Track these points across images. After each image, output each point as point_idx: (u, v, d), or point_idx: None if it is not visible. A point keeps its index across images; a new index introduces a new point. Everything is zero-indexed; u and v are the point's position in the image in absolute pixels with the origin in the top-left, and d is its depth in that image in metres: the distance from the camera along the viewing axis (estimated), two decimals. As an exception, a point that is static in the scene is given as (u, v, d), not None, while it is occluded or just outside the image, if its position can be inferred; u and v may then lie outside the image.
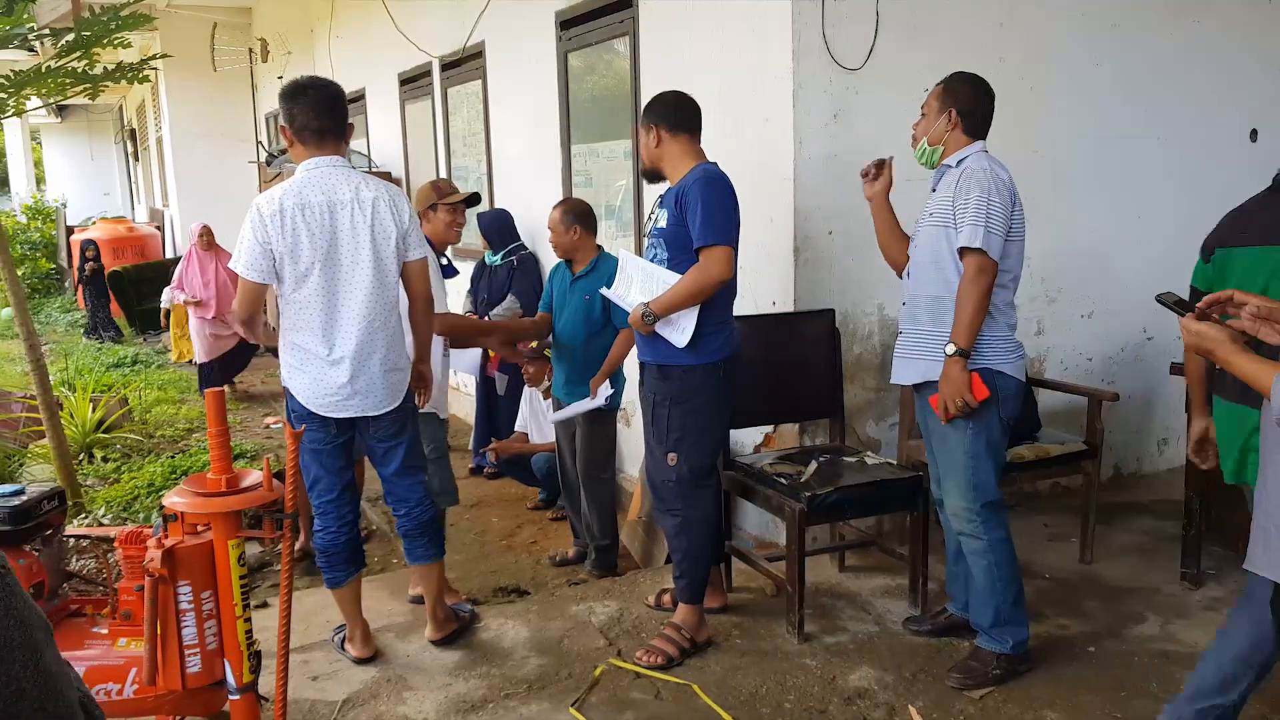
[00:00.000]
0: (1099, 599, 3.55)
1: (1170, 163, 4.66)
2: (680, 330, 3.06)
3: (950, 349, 2.83)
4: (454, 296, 5.15)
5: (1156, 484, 4.73)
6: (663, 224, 3.12)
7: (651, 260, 3.19)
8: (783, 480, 3.32)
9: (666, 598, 3.52)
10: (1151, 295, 4.66)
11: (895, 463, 3.62)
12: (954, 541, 3.20)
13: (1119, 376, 4.63)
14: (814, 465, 3.42)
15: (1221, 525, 3.62)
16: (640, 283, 3.20)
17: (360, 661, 3.19)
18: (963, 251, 2.83)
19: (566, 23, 5.25)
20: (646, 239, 3.30)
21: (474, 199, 4.00)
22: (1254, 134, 4.94)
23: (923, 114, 3.04)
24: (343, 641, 3.26)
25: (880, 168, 3.20)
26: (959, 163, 2.94)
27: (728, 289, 3.11)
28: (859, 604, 3.53)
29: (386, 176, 7.91)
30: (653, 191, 4.76)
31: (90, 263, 11.58)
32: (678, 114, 3.16)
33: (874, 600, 3.56)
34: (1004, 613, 2.98)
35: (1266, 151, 4.87)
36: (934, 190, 3.03)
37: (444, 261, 3.86)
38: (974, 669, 2.99)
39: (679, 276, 3.03)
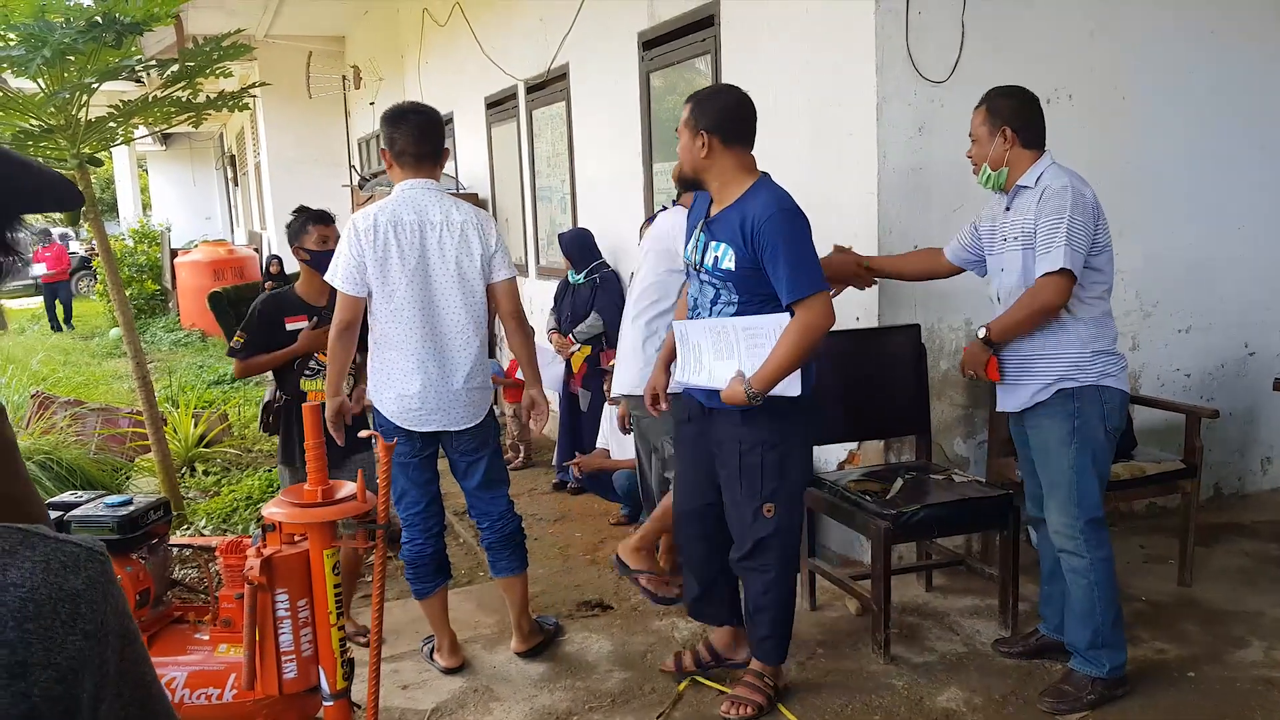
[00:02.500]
0: (1198, 623, 3.42)
1: (1272, 173, 4.48)
2: (791, 382, 2.72)
3: (981, 333, 2.93)
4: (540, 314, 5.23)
5: (1260, 504, 4.54)
6: (729, 265, 2.73)
7: (713, 308, 2.81)
8: (868, 498, 3.28)
9: (687, 657, 3.21)
10: (1253, 308, 4.50)
11: (984, 480, 3.55)
12: (1049, 561, 3.13)
13: (1219, 393, 4.46)
14: (899, 482, 3.38)
15: (1333, 548, 3.45)
16: (713, 345, 2.78)
17: (448, 671, 3.26)
18: (1041, 273, 2.79)
19: (649, 43, 5.32)
20: (697, 278, 2.87)
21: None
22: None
23: (973, 139, 2.99)
24: (431, 651, 3.33)
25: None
26: (1037, 181, 2.88)
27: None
28: (947, 624, 3.47)
29: (473, 198, 8.09)
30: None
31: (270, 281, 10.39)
32: (738, 123, 2.79)
33: (962, 620, 3.49)
34: (1103, 634, 2.89)
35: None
36: (1007, 210, 2.96)
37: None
38: (1067, 693, 2.91)
39: (762, 321, 2.70)
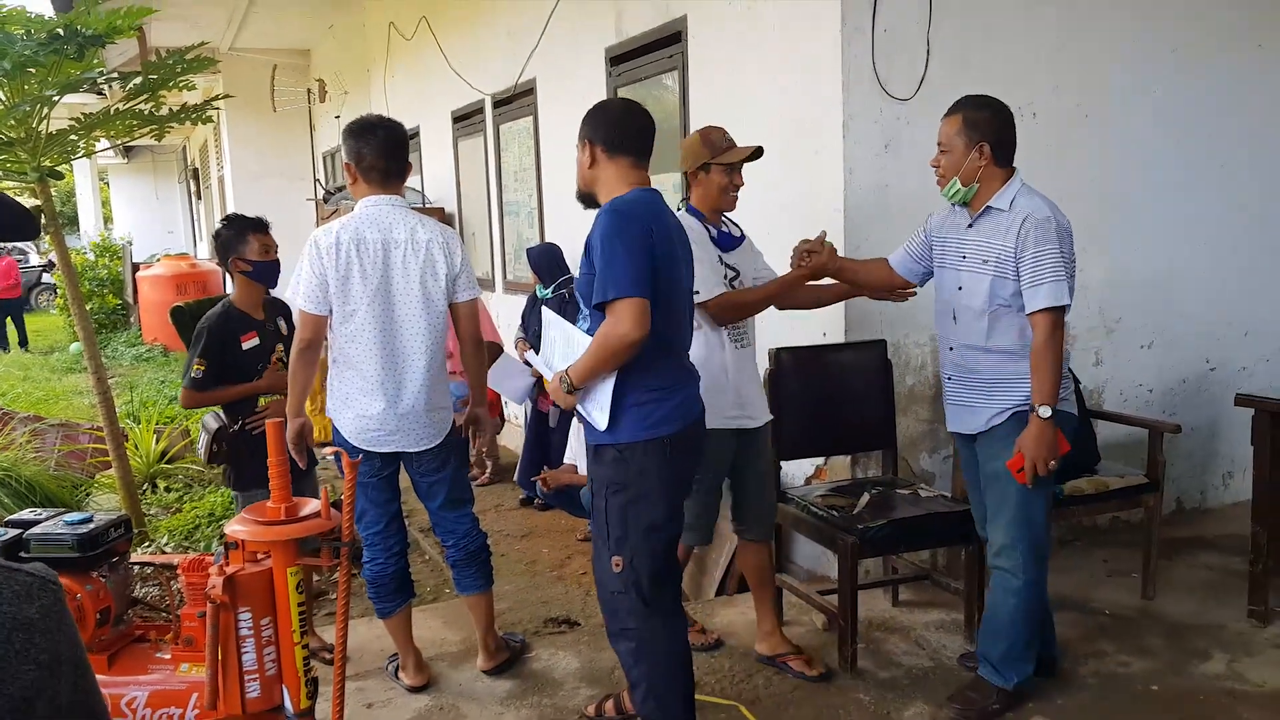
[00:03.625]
0: (1161, 636, 3.46)
1: (1233, 191, 4.57)
2: (598, 406, 2.53)
3: (1045, 412, 2.72)
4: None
5: (1221, 518, 4.60)
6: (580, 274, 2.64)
7: (578, 323, 2.84)
8: (834, 512, 3.29)
9: (609, 706, 2.99)
10: (1214, 325, 4.58)
11: (949, 495, 3.58)
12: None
13: (1181, 408, 4.53)
14: (866, 498, 3.40)
15: (1291, 561, 3.50)
16: (562, 347, 2.70)
17: (413, 690, 3.22)
18: (1037, 309, 2.74)
19: (616, 59, 5.34)
20: None
21: (757, 153, 3.19)
22: (1319, 161, 4.84)
23: (942, 149, 2.88)
24: (396, 670, 3.29)
25: (813, 250, 3.22)
26: (1010, 205, 2.82)
27: (667, 346, 2.56)
28: (912, 638, 3.48)
29: (439, 213, 8.07)
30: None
31: None
32: (619, 131, 2.61)
33: (928, 635, 3.51)
34: (1016, 650, 2.93)
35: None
36: (969, 226, 2.91)
37: (714, 233, 3.20)
38: (973, 700, 2.97)
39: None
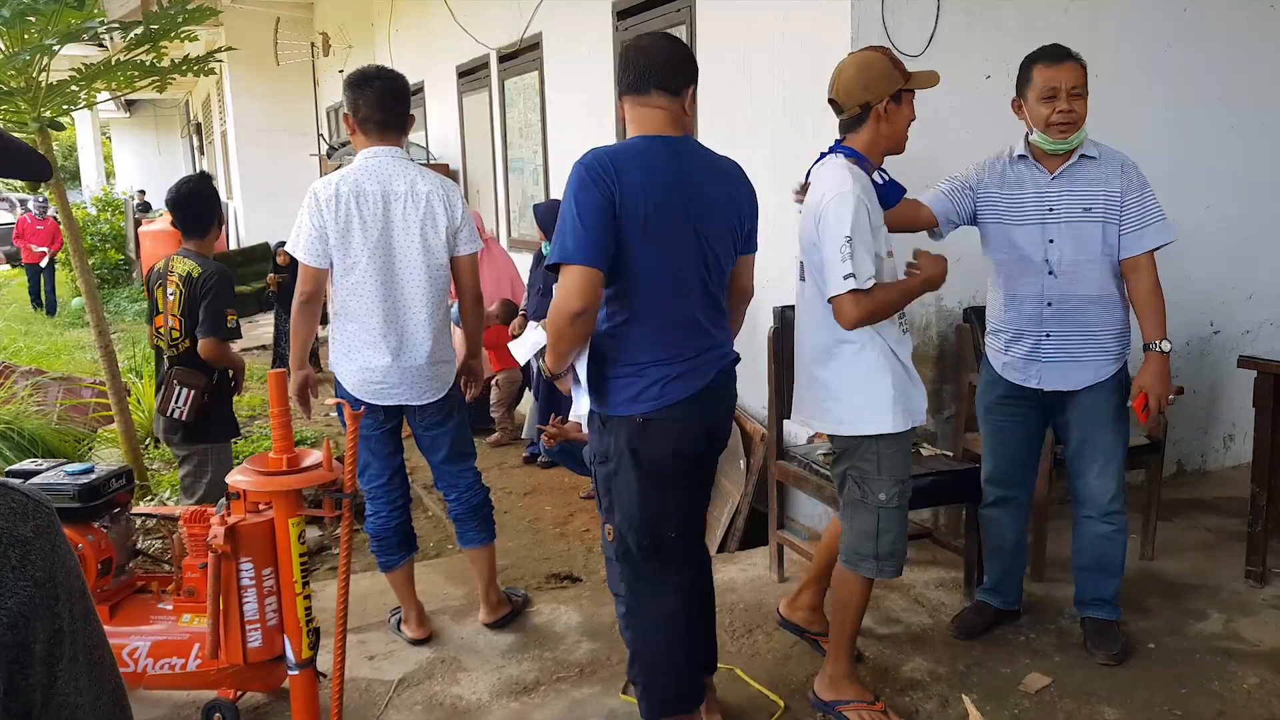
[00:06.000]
0: (1160, 595, 3.48)
1: (1240, 153, 4.52)
2: (578, 386, 2.43)
3: (1166, 346, 2.83)
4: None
5: (1222, 480, 4.61)
6: None
7: None
8: (833, 470, 3.29)
9: None
10: (1219, 288, 4.55)
11: (951, 455, 3.58)
12: (1012, 539, 3.16)
13: (1184, 371, 4.51)
14: (868, 456, 3.39)
15: (1291, 523, 3.50)
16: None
17: (415, 643, 3.25)
18: (1148, 249, 2.84)
19: (623, 13, 5.26)
20: None
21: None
22: (1330, 121, 4.77)
23: (1076, 94, 2.81)
24: (398, 623, 3.32)
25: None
26: (1098, 152, 2.88)
27: (647, 318, 2.31)
28: (912, 596, 3.50)
29: (444, 168, 8.01)
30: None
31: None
32: (624, 72, 2.36)
33: (928, 593, 3.53)
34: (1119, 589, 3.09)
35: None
36: (1057, 177, 2.87)
37: (880, 180, 2.63)
38: (1116, 637, 3.05)
39: None
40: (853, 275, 2.41)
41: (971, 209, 3.00)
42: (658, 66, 2.31)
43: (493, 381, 6.04)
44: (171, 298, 3.68)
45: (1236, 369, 3.60)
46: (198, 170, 22.10)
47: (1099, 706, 2.79)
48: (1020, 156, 2.95)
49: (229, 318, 3.60)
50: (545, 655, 3.16)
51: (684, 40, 4.83)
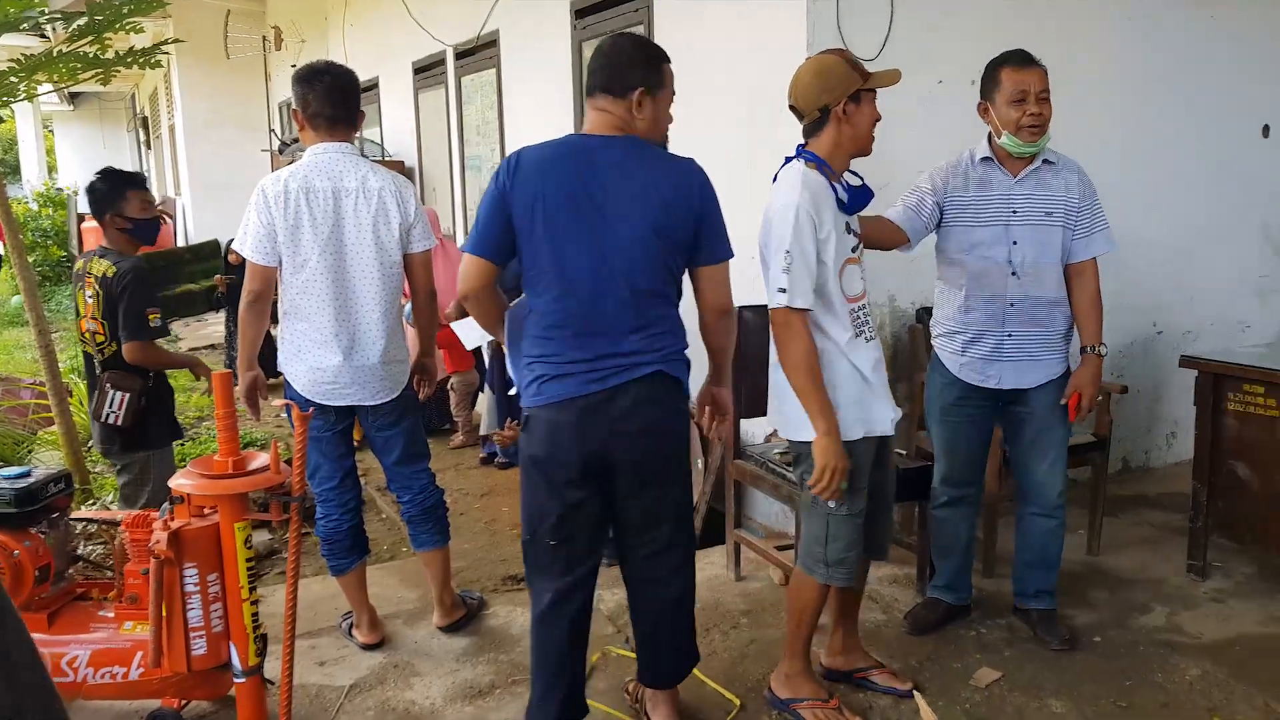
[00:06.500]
0: (1105, 590, 3.54)
1: (1182, 159, 4.64)
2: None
3: (1103, 350, 3.01)
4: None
5: (1165, 477, 4.71)
6: None
7: None
8: (792, 469, 3.30)
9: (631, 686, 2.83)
10: (1161, 289, 4.64)
11: (904, 453, 3.61)
12: (964, 536, 3.20)
13: (1128, 370, 4.60)
14: (821, 455, 3.40)
15: (1228, 518, 3.59)
16: None
17: (367, 647, 3.20)
18: (1095, 254, 2.99)
19: (581, 11, 5.25)
20: None
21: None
22: (1266, 130, 4.91)
23: (1043, 98, 2.88)
24: (350, 628, 3.27)
25: None
26: (1057, 157, 2.99)
27: (533, 314, 2.35)
28: (867, 593, 3.51)
29: (399, 166, 7.93)
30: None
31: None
32: (587, 72, 2.40)
33: (882, 589, 3.56)
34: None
35: (1278, 147, 4.84)
36: (1020, 180, 2.95)
37: (842, 192, 2.56)
38: (1060, 629, 3.16)
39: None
40: (786, 291, 2.43)
41: (937, 216, 3.03)
42: (602, 69, 2.33)
43: (448, 385, 5.99)
44: (90, 300, 3.53)
45: (1178, 368, 3.68)
46: (142, 165, 21.53)
47: (1047, 699, 2.83)
48: (984, 159, 3.00)
49: (150, 317, 3.46)
50: (501, 658, 3.13)
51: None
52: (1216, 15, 4.60)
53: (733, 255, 2.41)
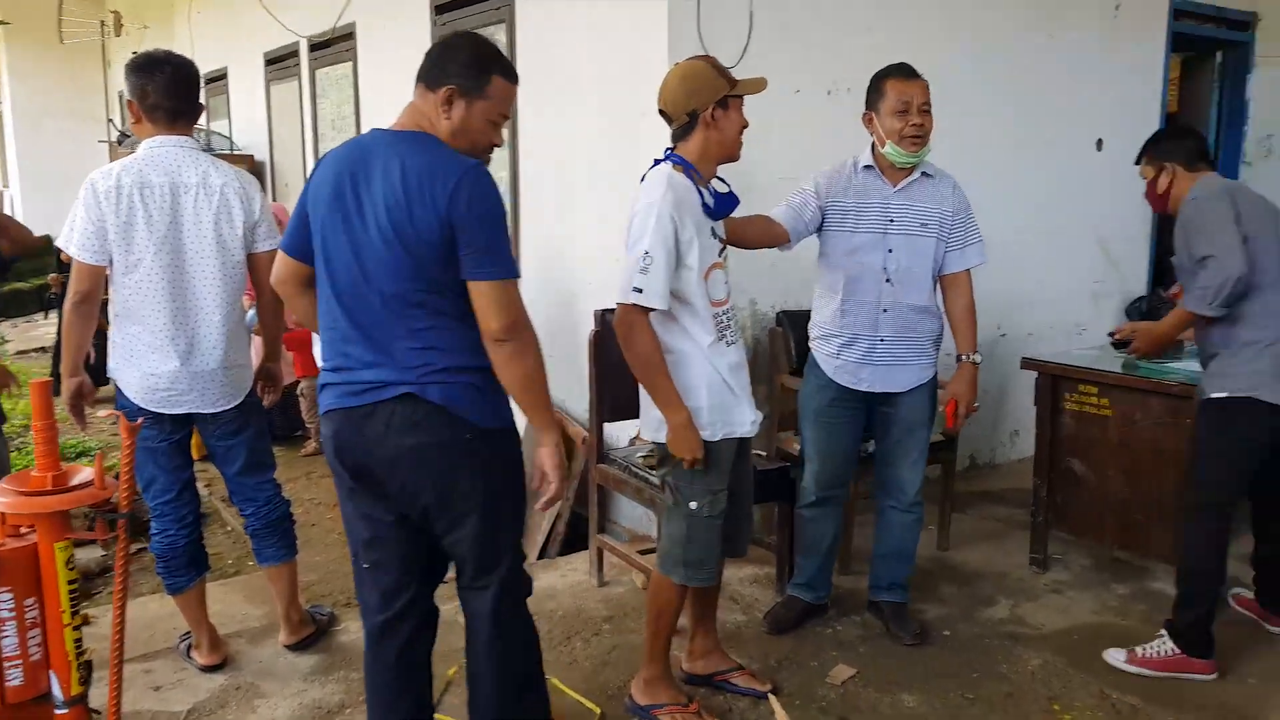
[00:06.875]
0: (954, 584, 3.68)
1: (1023, 168, 4.88)
2: None
3: (977, 358, 3.12)
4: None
5: (1009, 473, 4.95)
6: None
7: None
8: (654, 473, 3.30)
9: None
10: (1005, 295, 4.90)
11: (764, 454, 3.66)
12: (830, 536, 3.28)
13: (975, 371, 4.80)
14: (684, 458, 3.41)
15: (1066, 512, 3.79)
16: None
17: (207, 669, 3.02)
18: (970, 266, 3.12)
19: (441, 7, 5.12)
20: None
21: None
22: (1100, 143, 5.23)
23: (925, 111, 2.96)
24: (189, 649, 3.08)
25: None
26: (935, 171, 3.09)
27: (323, 315, 2.18)
28: (727, 594, 3.55)
29: (249, 160, 7.59)
30: (530, 181, 4.70)
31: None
32: None
33: (743, 590, 3.60)
34: None
35: (1111, 159, 5.16)
36: (899, 190, 3.03)
37: (709, 198, 2.57)
38: (912, 622, 3.26)
39: None
40: (641, 290, 2.41)
41: (819, 219, 3.09)
42: (426, 59, 2.15)
43: (297, 390, 5.74)
44: None
45: (1020, 369, 3.86)
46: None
47: (900, 694, 2.91)
48: (866, 167, 3.07)
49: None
50: (353, 676, 3.00)
51: (495, 40, 4.74)
52: (1055, 37, 4.87)
53: (508, 276, 2.04)
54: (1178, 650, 2.95)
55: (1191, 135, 3.20)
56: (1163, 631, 3.01)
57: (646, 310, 2.45)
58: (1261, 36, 5.82)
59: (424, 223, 1.98)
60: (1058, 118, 4.99)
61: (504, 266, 2.04)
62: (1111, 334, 3.51)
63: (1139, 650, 3.01)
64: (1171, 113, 5.98)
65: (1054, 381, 3.70)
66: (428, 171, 1.99)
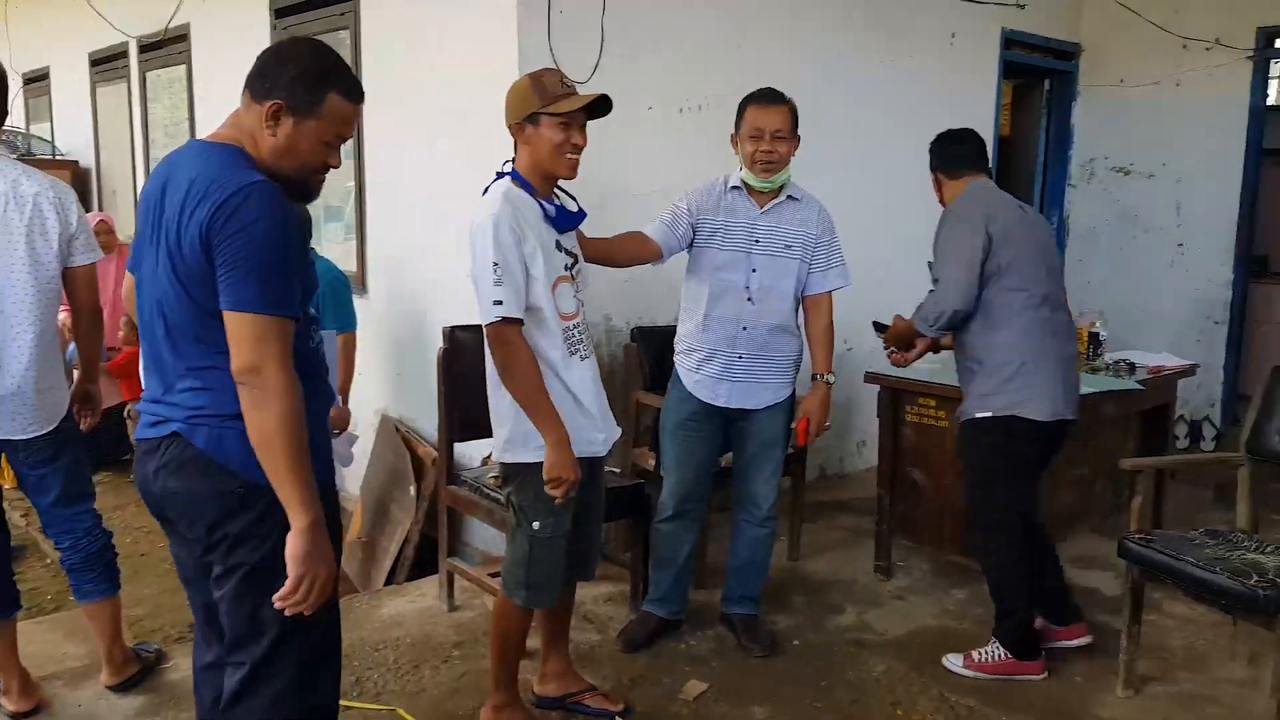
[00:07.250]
0: (804, 593, 3.76)
1: (864, 187, 5.04)
2: None
3: (832, 378, 3.15)
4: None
5: (856, 482, 5.11)
6: None
7: None
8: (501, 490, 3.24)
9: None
10: (852, 312, 5.06)
11: (618, 471, 3.65)
12: (686, 551, 3.28)
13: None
14: (537, 477, 3.37)
15: (908, 520, 3.93)
16: None
17: (18, 716, 2.78)
18: (831, 288, 3.17)
19: (281, 11, 4.94)
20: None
21: (600, 106, 2.53)
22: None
23: (780, 136, 3.00)
24: (-3, 696, 2.83)
25: None
26: (801, 195, 3.14)
27: None
28: (581, 613, 3.52)
29: (74, 166, 7.13)
30: (377, 192, 4.56)
31: None
32: None
33: (596, 609, 3.57)
34: None
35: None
36: (765, 212, 3.08)
37: (549, 209, 2.55)
38: (765, 634, 3.32)
39: None
40: (502, 302, 2.39)
41: (690, 236, 3.13)
42: (256, 63, 1.94)
43: (124, 412, 5.39)
44: None
45: (864, 383, 3.99)
46: None
47: (750, 707, 2.94)
48: (735, 187, 3.12)
49: None
50: (182, 716, 2.81)
51: (339, 46, 4.59)
52: (895, 60, 5.08)
53: (262, 310, 1.72)
54: (1008, 655, 3.10)
55: (956, 141, 3.26)
56: (994, 637, 3.15)
57: (515, 324, 2.41)
58: (1085, 66, 6.24)
59: (189, 244, 1.74)
60: (899, 139, 5.19)
61: (259, 298, 1.71)
62: (878, 322, 3.56)
63: (975, 655, 3.14)
64: (1004, 136, 6.35)
65: (895, 395, 3.85)
66: (203, 188, 1.74)
